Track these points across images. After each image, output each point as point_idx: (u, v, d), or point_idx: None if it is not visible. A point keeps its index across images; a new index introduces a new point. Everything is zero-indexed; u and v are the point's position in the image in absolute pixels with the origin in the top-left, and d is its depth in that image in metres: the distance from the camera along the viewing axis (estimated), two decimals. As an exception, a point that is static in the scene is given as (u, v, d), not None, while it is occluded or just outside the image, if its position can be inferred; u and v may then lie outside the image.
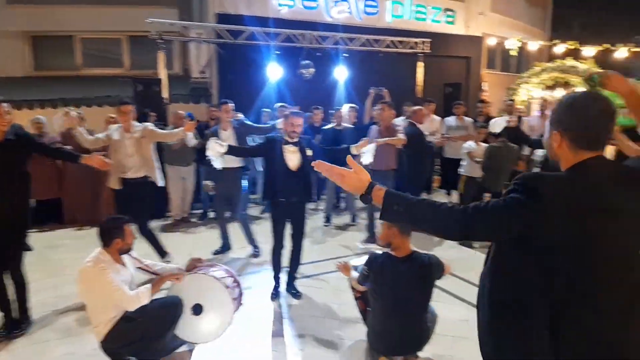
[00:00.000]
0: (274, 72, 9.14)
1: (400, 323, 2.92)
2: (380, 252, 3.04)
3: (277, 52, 9.23)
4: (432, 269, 2.92)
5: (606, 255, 1.40)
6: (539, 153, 6.61)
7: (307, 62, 9.43)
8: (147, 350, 2.95)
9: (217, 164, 4.30)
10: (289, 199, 4.33)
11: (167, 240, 6.14)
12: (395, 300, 2.90)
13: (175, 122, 6.88)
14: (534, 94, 10.54)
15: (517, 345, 1.48)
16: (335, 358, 3.36)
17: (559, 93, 10.36)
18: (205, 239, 6.08)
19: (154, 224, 6.72)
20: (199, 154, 6.57)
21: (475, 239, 1.55)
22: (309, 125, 7.51)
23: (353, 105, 7.58)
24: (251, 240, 5.57)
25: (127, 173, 4.73)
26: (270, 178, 4.38)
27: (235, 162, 5.29)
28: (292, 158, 4.31)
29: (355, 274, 3.26)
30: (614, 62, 10.20)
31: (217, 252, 5.54)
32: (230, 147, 4.32)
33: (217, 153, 4.15)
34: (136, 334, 2.92)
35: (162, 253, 5.02)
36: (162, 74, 8.14)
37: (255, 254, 5.53)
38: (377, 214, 5.65)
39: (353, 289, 3.34)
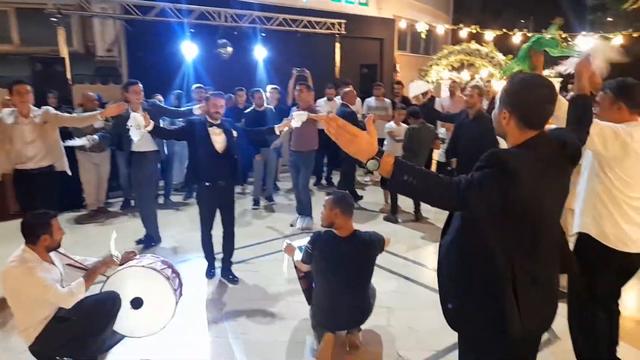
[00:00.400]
0: (189, 51, 8.77)
1: (346, 299, 3.03)
2: (323, 231, 3.11)
3: (192, 30, 8.85)
4: (374, 246, 3.05)
5: (545, 213, 1.66)
6: (442, 131, 7.08)
7: (224, 41, 9.14)
8: (85, 349, 2.78)
9: (135, 135, 4.03)
10: (217, 182, 4.27)
11: (83, 232, 5.77)
12: (340, 278, 2.99)
13: (85, 105, 6.34)
14: (443, 75, 11.21)
15: (486, 304, 1.67)
16: (280, 339, 3.39)
17: (465, 74, 11.12)
18: (126, 229, 5.74)
19: (69, 216, 6.26)
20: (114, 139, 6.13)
21: (465, 209, 1.66)
22: (232, 106, 7.35)
23: (275, 86, 7.52)
24: (152, 229, 5.31)
25: (26, 163, 4.25)
26: (196, 162, 4.25)
27: (149, 145, 5.03)
28: (218, 140, 4.24)
29: (299, 254, 3.31)
30: (512, 45, 11.13)
31: (140, 242, 5.27)
32: (155, 126, 4.12)
33: (138, 125, 3.91)
34: (71, 334, 2.73)
35: None
36: (64, 51, 7.44)
37: (146, 243, 5.25)
38: (304, 195, 5.69)
39: (296, 268, 3.38)
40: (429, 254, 5.08)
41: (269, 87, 7.38)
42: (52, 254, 2.84)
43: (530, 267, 1.64)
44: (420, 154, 6.29)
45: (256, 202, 6.83)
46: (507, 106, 1.68)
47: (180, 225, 6.09)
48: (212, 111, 4.18)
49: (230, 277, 4.40)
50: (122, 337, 3.08)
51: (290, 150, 5.98)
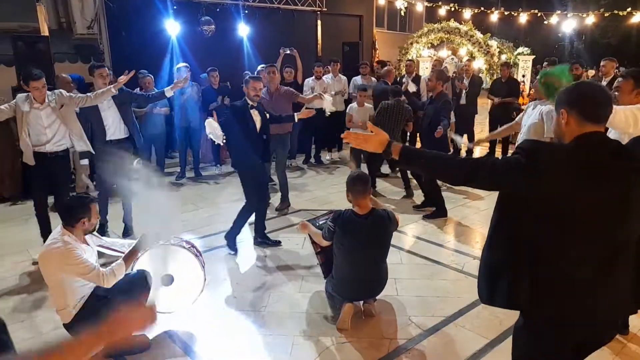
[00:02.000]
0: (172, 28, 8.64)
1: (365, 272, 3.26)
2: (344, 209, 3.30)
3: (174, 7, 8.71)
4: (390, 222, 3.27)
5: (582, 218, 1.60)
6: None
7: (207, 18, 9.04)
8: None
9: (218, 138, 4.27)
10: (260, 159, 4.62)
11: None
12: (361, 252, 3.20)
13: (63, 88, 6.07)
14: (423, 53, 11.40)
15: (505, 281, 1.70)
16: (298, 310, 3.58)
17: (444, 52, 11.36)
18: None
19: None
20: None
21: (474, 186, 1.76)
22: (207, 87, 7.34)
23: (265, 65, 7.52)
24: (129, 219, 5.12)
25: (44, 146, 4.29)
26: (244, 143, 4.44)
27: (122, 133, 4.93)
28: (257, 121, 4.50)
29: (315, 230, 3.49)
30: (489, 24, 11.42)
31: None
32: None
33: (219, 133, 4.21)
34: (107, 311, 2.84)
35: None
36: (45, 29, 7.23)
37: (128, 235, 5.07)
38: (281, 177, 5.69)
39: (314, 244, 3.57)
40: (424, 227, 5.35)
41: (259, 67, 7.39)
42: (87, 237, 2.93)
43: (560, 267, 1.63)
44: (389, 131, 6.26)
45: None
46: (564, 105, 1.69)
47: (176, 205, 6.17)
48: (252, 94, 4.39)
49: (272, 241, 4.78)
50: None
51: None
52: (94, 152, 4.66)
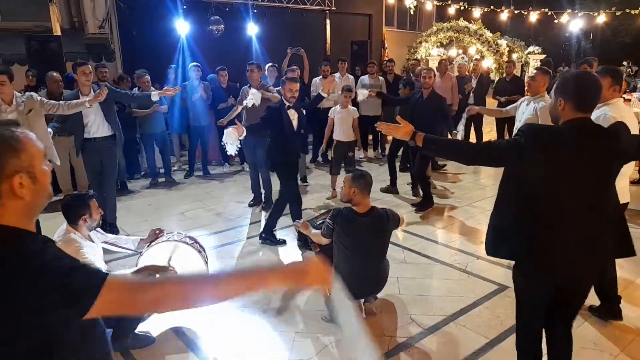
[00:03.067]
0: (182, 28, 8.74)
1: (365, 270, 3.28)
2: (343, 207, 3.33)
3: (184, 6, 8.81)
4: (390, 221, 3.29)
5: (573, 188, 1.97)
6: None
7: (216, 17, 9.13)
8: (124, 321, 2.95)
9: (232, 149, 4.28)
10: (298, 156, 4.84)
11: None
12: (360, 251, 3.23)
13: (50, 87, 5.85)
14: (432, 52, 11.37)
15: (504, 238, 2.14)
16: (300, 307, 3.61)
17: (453, 51, 11.31)
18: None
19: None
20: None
21: (485, 164, 2.21)
22: (216, 87, 7.37)
23: (274, 64, 7.58)
24: (113, 217, 5.09)
25: None
26: (283, 142, 4.56)
27: (105, 130, 4.87)
28: (295, 119, 4.63)
29: (314, 230, 3.52)
30: (500, 22, 11.33)
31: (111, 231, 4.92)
32: (247, 128, 4.35)
33: (235, 139, 4.19)
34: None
35: None
36: (57, 28, 7.35)
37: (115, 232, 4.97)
38: (265, 174, 5.72)
39: (314, 244, 3.60)
40: (428, 227, 5.36)
41: (267, 66, 7.44)
42: (91, 233, 2.99)
43: (550, 228, 2.01)
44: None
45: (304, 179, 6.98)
46: (561, 95, 2.04)
47: (185, 203, 6.25)
48: (289, 96, 4.50)
49: (275, 240, 4.85)
50: (156, 308, 3.27)
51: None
52: (58, 164, 4.51)
